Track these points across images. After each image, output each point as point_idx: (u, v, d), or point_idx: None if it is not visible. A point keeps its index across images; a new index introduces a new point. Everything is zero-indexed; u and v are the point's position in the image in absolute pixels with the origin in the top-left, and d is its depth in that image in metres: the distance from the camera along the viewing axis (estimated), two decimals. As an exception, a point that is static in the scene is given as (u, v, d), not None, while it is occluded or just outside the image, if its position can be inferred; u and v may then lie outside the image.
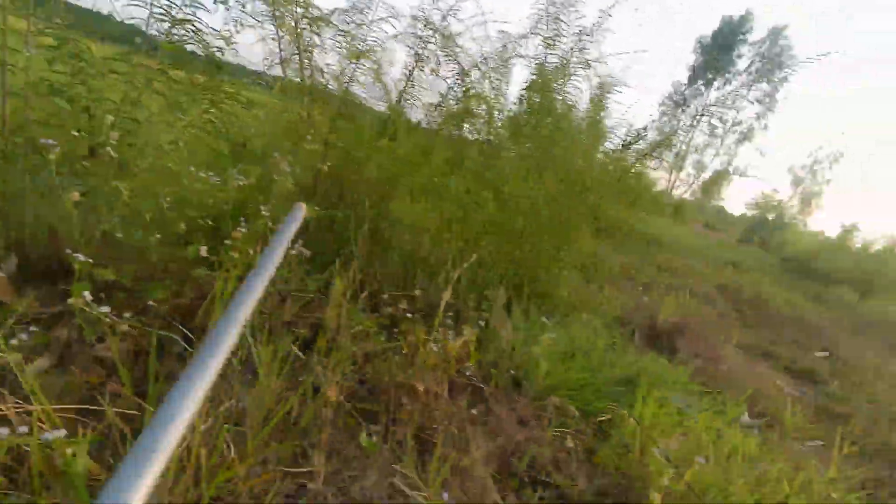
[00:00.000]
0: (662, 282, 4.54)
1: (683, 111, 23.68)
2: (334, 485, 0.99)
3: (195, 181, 1.24)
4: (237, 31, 1.46)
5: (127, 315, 1.05)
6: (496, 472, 1.22)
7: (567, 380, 1.84)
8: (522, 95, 2.95)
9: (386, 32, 2.38)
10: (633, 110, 2.20)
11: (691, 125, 24.02)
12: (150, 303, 1.15)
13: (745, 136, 23.22)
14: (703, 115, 22.41)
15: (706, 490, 1.21)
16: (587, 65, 3.18)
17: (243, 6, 1.51)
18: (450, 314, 1.77)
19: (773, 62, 21.66)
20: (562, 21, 2.21)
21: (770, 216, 21.30)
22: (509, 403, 1.56)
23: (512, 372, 1.70)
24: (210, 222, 1.34)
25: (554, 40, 2.22)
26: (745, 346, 3.58)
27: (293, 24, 2.48)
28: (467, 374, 1.63)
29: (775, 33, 21.75)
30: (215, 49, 1.46)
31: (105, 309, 0.95)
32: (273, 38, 2.41)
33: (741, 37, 22.52)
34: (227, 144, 1.72)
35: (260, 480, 0.88)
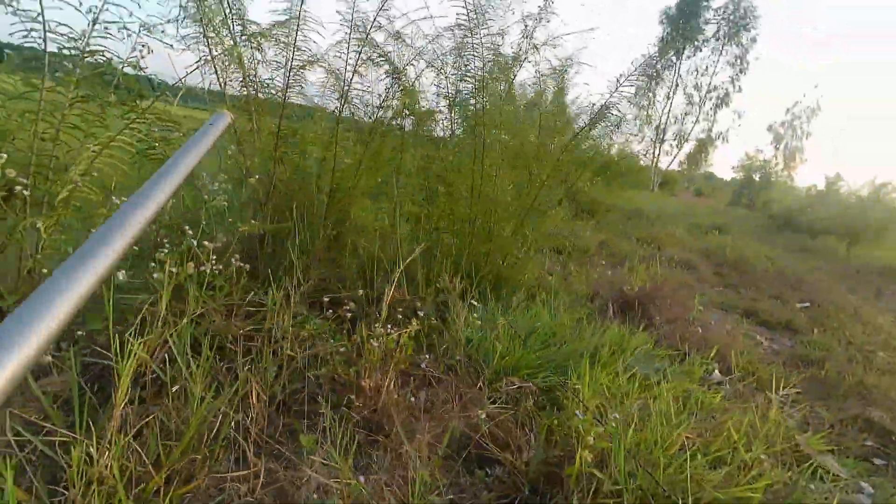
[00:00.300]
0: (641, 253, 4.56)
1: (657, 84, 23.72)
2: (267, 485, 1.01)
3: (114, 210, 1.26)
4: (143, 57, 1.48)
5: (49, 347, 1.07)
6: (443, 457, 1.24)
7: (526, 359, 1.86)
8: (477, 86, 2.98)
9: (316, 43, 2.40)
10: (593, 90, 2.19)
11: (667, 96, 24.15)
12: (79, 332, 1.17)
13: (722, 101, 23.29)
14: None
15: (648, 446, 1.24)
16: (535, 49, 3.21)
17: (148, 31, 1.51)
18: (401, 309, 1.79)
19: (738, 24, 21.76)
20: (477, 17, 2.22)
21: (756, 176, 21.35)
22: (463, 389, 1.58)
23: (461, 358, 1.72)
24: (136, 248, 1.37)
25: (472, 31, 2.23)
26: (724, 306, 3.60)
27: (231, 41, 2.50)
28: (422, 365, 1.65)
29: (737, -4, 21.85)
30: (130, 73, 1.48)
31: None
32: (208, 59, 2.43)
33: (705, 3, 22.61)
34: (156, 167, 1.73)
35: (185, 489, 0.90)
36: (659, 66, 23.97)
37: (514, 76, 3.35)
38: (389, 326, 1.45)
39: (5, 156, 1.09)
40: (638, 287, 3.10)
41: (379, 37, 2.63)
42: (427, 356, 1.65)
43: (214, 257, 1.34)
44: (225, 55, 2.49)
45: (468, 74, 2.39)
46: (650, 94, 23.96)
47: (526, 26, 3.20)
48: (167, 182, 0.44)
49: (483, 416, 1.30)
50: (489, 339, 1.84)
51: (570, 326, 2.25)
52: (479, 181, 2.30)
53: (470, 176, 2.40)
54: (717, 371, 2.25)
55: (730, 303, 3.66)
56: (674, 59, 23.80)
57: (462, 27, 2.22)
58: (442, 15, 2.65)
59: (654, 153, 24.04)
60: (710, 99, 23.72)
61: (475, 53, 2.23)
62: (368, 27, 2.47)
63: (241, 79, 2.52)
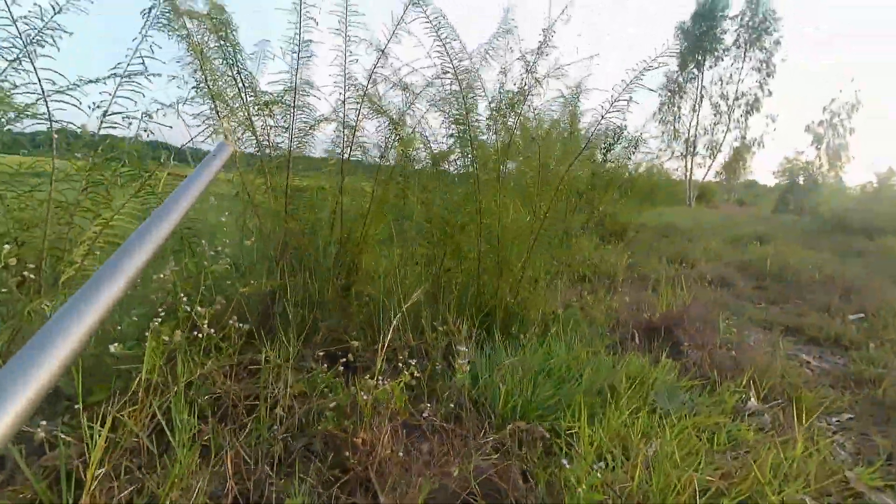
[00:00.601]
0: (671, 274, 4.37)
1: (681, 97, 23.41)
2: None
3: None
4: (143, 140, 1.62)
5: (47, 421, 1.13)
6: (436, 513, 1.19)
7: (536, 400, 1.79)
8: (489, 125, 3.06)
9: (313, 106, 2.55)
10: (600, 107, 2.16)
11: (693, 108, 23.70)
12: (76, 406, 1.23)
13: (752, 107, 22.61)
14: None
15: (657, 493, 1.14)
16: (538, 82, 3.26)
17: (149, 117, 1.66)
18: (401, 357, 1.78)
19: (758, 30, 21.35)
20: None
21: (800, 179, 20.29)
22: (465, 437, 1.53)
23: (465, 403, 1.67)
24: (135, 318, 1.44)
25: (457, 78, 2.29)
26: (764, 324, 3.36)
27: (244, 112, 2.68)
28: (424, 414, 1.61)
29: (754, 3, 21.58)
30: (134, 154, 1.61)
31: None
32: (218, 131, 2.60)
33: (721, 14, 22.43)
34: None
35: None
36: (680, 80, 23.75)
37: (520, 111, 3.38)
38: (380, 378, 1.44)
39: (7, 246, 1.20)
40: (664, 311, 2.96)
41: (382, 86, 2.77)
42: (428, 405, 1.62)
43: (206, 321, 1.39)
44: (239, 126, 2.67)
45: (458, 121, 2.44)
46: (675, 109, 23.71)
47: (526, 61, 3.27)
48: (179, 203, 0.45)
49: (457, 472, 1.24)
50: (494, 381, 1.79)
51: (587, 361, 2.15)
52: (477, 219, 2.30)
53: (472, 213, 2.41)
54: (752, 399, 2.08)
55: (771, 319, 3.41)
56: (695, 71, 23.52)
57: (448, 74, 2.29)
58: (429, 67, 2.72)
59: (686, 167, 23.46)
60: (739, 106, 23.12)
61: (461, 100, 2.29)
62: (365, 85, 2.60)
63: (254, 143, 2.69)
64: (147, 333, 1.29)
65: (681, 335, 2.74)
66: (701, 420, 1.80)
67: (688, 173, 23.35)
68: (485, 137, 2.95)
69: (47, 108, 1.42)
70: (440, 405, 1.68)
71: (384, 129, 2.79)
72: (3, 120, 1.56)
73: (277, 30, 2.47)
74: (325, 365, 1.65)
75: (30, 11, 1.80)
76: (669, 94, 23.35)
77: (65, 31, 1.86)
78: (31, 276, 1.25)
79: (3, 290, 1.22)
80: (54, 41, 1.86)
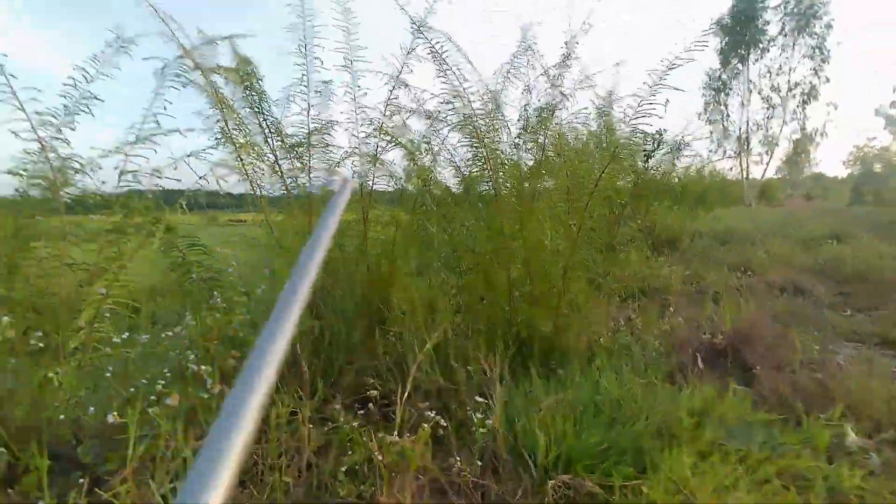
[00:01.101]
0: (734, 284, 3.96)
1: (727, 95, 22.29)
2: None
3: (120, 348, 1.32)
4: (155, 195, 1.62)
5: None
6: None
7: (583, 447, 1.57)
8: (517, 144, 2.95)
9: (339, 148, 2.54)
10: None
11: (742, 104, 22.46)
12: (81, 479, 1.18)
13: (809, 96, 21.11)
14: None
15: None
16: (564, 97, 3.12)
17: (159, 173, 1.67)
18: (427, 403, 1.63)
19: (805, 16, 20.09)
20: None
21: (877, 168, 18.51)
22: (501, 496, 1.35)
23: (502, 455, 1.48)
24: (144, 382, 1.40)
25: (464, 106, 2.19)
26: (853, 338, 2.92)
27: (272, 156, 2.72)
28: (453, 468, 1.44)
29: (797, -11, 20.43)
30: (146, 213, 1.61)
31: None
32: (244, 178, 2.64)
33: (761, 4, 21.37)
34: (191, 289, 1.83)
35: None
36: (724, 77, 22.67)
37: (548, 127, 3.22)
38: (399, 432, 1.30)
39: (6, 318, 1.20)
40: (728, 329, 2.63)
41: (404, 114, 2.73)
42: (458, 458, 1.45)
43: (216, 379, 1.32)
44: (267, 168, 2.70)
45: (475, 144, 2.32)
46: (721, 107, 22.57)
47: (549, 76, 3.13)
48: (315, 260, 0.42)
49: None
50: (531, 427, 1.59)
51: (640, 395, 1.90)
52: (504, 244, 2.15)
53: (498, 239, 2.26)
54: (851, 434, 1.73)
55: (861, 331, 2.96)
56: (740, 66, 22.41)
57: (457, 99, 2.20)
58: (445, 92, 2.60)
59: (741, 165, 22.12)
60: (794, 97, 21.66)
61: (473, 123, 2.17)
62: (381, 117, 2.55)
63: (280, 185, 2.71)
64: (152, 397, 1.23)
65: (751, 356, 2.41)
66: (787, 463, 1.51)
67: (743, 172, 22.00)
68: (515, 157, 2.83)
69: (53, 174, 1.45)
70: (472, 457, 1.50)
71: (403, 158, 2.73)
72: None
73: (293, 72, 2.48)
74: (356, 410, 1.53)
75: (64, 84, 1.91)
76: (714, 91, 22.31)
77: (97, 99, 1.96)
78: (40, 343, 1.24)
79: (13, 359, 1.21)
80: (88, 108, 1.96)
